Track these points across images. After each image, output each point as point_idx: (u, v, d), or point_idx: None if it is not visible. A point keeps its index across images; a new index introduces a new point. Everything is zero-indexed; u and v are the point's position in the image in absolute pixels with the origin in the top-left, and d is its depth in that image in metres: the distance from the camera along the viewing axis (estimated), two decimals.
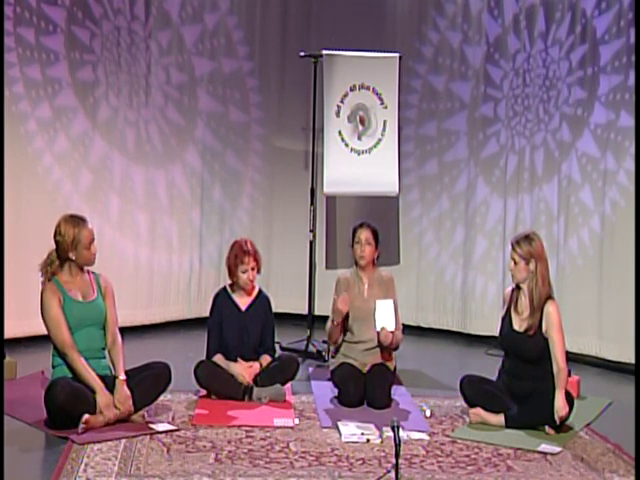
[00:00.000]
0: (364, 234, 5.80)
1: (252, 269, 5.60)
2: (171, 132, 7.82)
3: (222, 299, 5.71)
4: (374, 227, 5.87)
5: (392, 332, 5.55)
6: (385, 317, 5.51)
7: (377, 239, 5.84)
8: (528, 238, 5.09)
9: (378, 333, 5.55)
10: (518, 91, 7.45)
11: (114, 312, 5.02)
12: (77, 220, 4.85)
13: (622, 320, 6.54)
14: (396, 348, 5.78)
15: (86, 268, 4.95)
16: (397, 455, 3.86)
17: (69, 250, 4.82)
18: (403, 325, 5.92)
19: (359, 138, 7.26)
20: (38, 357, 5.88)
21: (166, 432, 4.72)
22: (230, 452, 4.46)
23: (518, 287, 5.15)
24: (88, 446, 4.44)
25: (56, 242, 4.84)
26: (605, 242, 6.78)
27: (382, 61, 7.28)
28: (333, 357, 5.88)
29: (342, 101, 7.21)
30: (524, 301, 5.13)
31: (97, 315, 4.93)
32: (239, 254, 5.58)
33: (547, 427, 4.93)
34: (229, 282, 5.73)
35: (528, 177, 7.38)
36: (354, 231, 5.86)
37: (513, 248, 5.09)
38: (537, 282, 5.05)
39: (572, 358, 5.73)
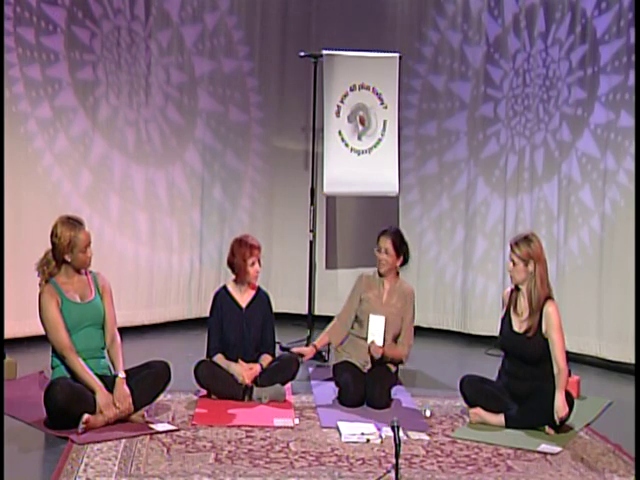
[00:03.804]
0: (383, 242, 5.74)
1: (258, 260, 5.66)
2: (171, 132, 7.82)
3: (222, 297, 5.72)
4: (396, 235, 5.78)
5: (381, 347, 5.56)
6: (375, 332, 5.57)
7: (398, 247, 5.74)
8: (527, 239, 5.09)
9: (369, 346, 5.58)
10: (518, 91, 7.45)
11: (112, 311, 5.02)
12: (74, 223, 4.85)
13: (622, 320, 6.54)
14: (400, 362, 5.81)
15: None
16: (397, 455, 3.86)
17: (65, 252, 4.82)
18: None
19: (359, 138, 7.26)
20: (38, 357, 5.88)
21: (166, 432, 4.73)
22: (230, 452, 4.46)
23: (517, 288, 5.15)
24: (88, 446, 4.44)
25: (52, 243, 4.85)
26: (605, 242, 6.77)
27: (382, 61, 7.28)
28: (337, 350, 5.90)
29: (342, 101, 7.21)
30: (523, 302, 5.13)
31: (96, 315, 4.93)
32: (250, 248, 5.62)
33: (547, 427, 4.93)
34: (232, 278, 5.74)
35: (528, 177, 7.38)
36: (378, 237, 5.79)
37: (512, 249, 5.10)
38: (536, 283, 5.05)
39: (572, 358, 5.73)
